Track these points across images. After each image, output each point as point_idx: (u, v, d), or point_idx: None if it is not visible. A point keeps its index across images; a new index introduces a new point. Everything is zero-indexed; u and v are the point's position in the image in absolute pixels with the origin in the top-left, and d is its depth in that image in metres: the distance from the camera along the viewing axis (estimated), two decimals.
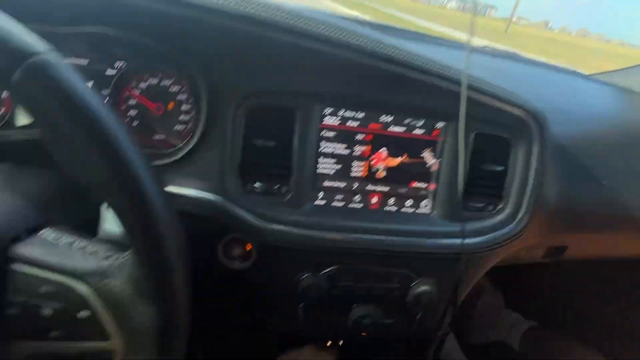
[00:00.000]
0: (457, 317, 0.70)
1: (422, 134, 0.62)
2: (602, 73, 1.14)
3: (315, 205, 0.60)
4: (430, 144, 0.62)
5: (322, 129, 0.59)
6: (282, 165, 0.58)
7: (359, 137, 0.60)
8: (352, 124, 0.60)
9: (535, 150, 0.62)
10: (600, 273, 1.11)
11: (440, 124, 0.62)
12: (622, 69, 1.11)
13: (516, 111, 0.60)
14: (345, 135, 0.60)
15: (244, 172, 0.57)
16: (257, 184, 0.57)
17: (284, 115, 0.57)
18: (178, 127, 0.60)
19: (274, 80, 0.54)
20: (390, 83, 0.57)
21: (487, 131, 0.62)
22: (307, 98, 0.56)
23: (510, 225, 0.64)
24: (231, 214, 0.55)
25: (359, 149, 0.61)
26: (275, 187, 0.58)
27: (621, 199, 0.75)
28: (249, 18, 0.48)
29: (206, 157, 0.55)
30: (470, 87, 0.56)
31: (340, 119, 0.59)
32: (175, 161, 0.55)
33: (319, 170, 0.60)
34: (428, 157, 0.63)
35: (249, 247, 0.58)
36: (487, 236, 0.63)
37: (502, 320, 1.20)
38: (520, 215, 0.64)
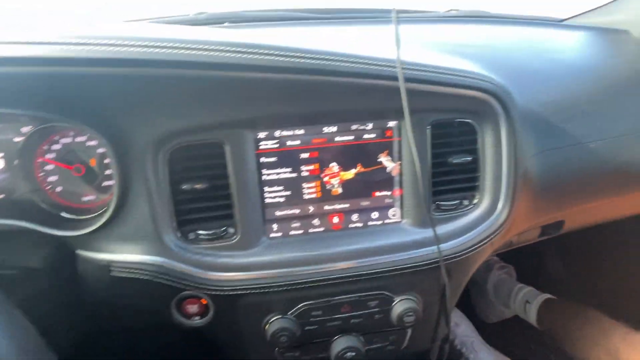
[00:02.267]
0: (469, 297, 0.65)
1: (373, 138, 0.55)
2: (580, 14, 1.04)
3: (271, 240, 0.54)
4: (386, 147, 0.56)
5: (260, 156, 0.52)
6: (222, 206, 0.52)
7: (304, 155, 0.54)
8: (292, 143, 0.53)
9: (504, 131, 0.55)
10: (607, 235, 1.03)
11: (391, 123, 0.55)
12: (602, 6, 1.00)
13: (473, 93, 0.53)
14: (287, 157, 0.54)
15: (181, 222, 0.51)
16: (199, 232, 0.52)
17: (212, 151, 0.50)
18: (106, 183, 0.54)
19: (189, 116, 0.48)
20: (323, 93, 0.50)
21: (446, 120, 0.55)
22: (233, 127, 0.50)
23: (490, 220, 0.57)
24: (176, 272, 0.50)
25: (306, 169, 0.54)
26: (221, 231, 0.52)
27: (613, 158, 0.67)
28: (133, 62, 0.42)
29: (135, 214, 0.50)
30: (412, 80, 0.49)
31: (278, 141, 0.53)
32: (105, 223, 0.50)
33: (267, 201, 0.54)
34: (386, 161, 0.56)
35: (204, 301, 0.53)
36: (465, 237, 0.56)
37: (515, 295, 1.14)
38: (499, 206, 0.57)
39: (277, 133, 0.52)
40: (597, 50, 0.84)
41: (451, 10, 1.13)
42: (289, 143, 0.53)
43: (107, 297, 0.55)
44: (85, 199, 0.54)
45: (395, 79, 0.47)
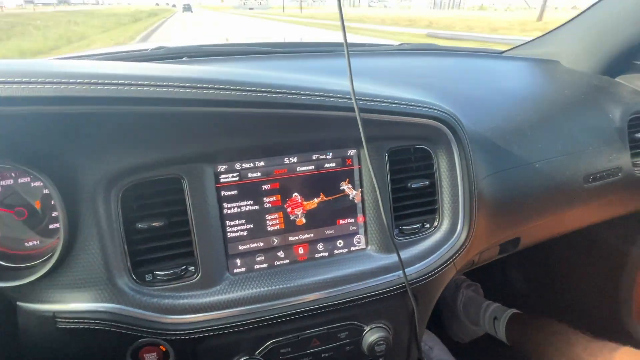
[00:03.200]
0: (440, 318, 0.64)
1: (334, 167, 0.56)
2: (517, 47, 1.14)
3: (234, 276, 0.53)
4: (347, 175, 0.57)
5: (220, 189, 0.51)
6: (181, 243, 0.50)
7: (266, 187, 0.54)
8: (253, 175, 0.53)
9: (457, 156, 0.58)
10: (561, 247, 1.10)
11: (351, 152, 0.56)
12: (535, 39, 1.11)
13: (426, 121, 0.56)
14: (249, 190, 0.53)
15: (137, 263, 0.48)
16: (157, 273, 0.49)
17: (169, 187, 0.49)
18: (52, 226, 0.50)
19: (145, 152, 0.46)
20: (282, 125, 0.51)
21: (403, 146, 0.58)
22: (192, 161, 0.49)
23: (451, 241, 0.59)
24: (131, 318, 0.46)
25: (269, 200, 0.54)
26: (180, 270, 0.50)
27: (556, 176, 0.72)
28: (77, 99, 0.40)
29: (85, 258, 0.46)
30: (368, 110, 0.51)
31: (238, 174, 0.52)
32: (50, 270, 0.46)
33: (230, 235, 0.53)
34: (348, 189, 0.57)
35: (163, 348, 0.49)
36: (428, 259, 0.57)
37: (484, 312, 1.16)
38: (459, 228, 0.59)
39: (238, 166, 0.52)
40: (533, 78, 0.92)
41: (403, 44, 1.21)
42: (250, 175, 0.53)
43: (53, 352, 0.50)
44: (29, 244, 0.50)
45: (351, 110, 0.49)
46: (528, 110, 0.75)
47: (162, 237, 0.49)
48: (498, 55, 1.10)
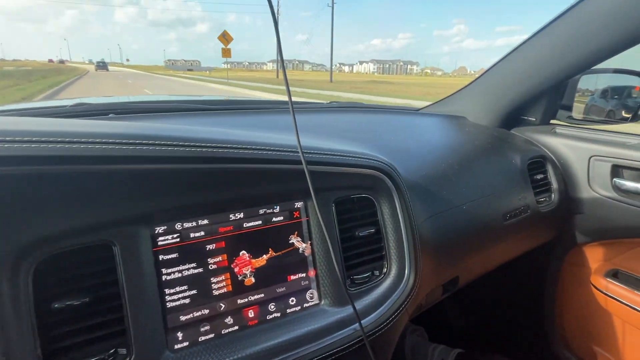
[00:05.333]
0: None
1: (282, 221, 0.55)
2: (430, 105, 1.31)
3: (175, 353, 0.46)
4: (295, 228, 0.56)
5: (158, 254, 0.46)
6: (110, 321, 0.42)
7: (210, 247, 0.50)
8: (196, 235, 0.49)
9: (397, 203, 0.61)
10: (495, 281, 1.19)
11: (298, 204, 0.56)
12: (444, 99, 1.28)
13: (368, 172, 0.58)
14: (191, 251, 0.48)
15: (52, 353, 0.39)
16: None
17: (96, 255, 0.42)
18: None
19: (66, 216, 0.40)
20: (226, 180, 0.49)
21: (348, 196, 0.59)
22: (124, 224, 0.44)
23: (401, 286, 0.60)
24: None
25: (214, 261, 0.50)
26: (109, 354, 0.42)
27: (480, 216, 0.79)
28: None
29: None
30: (315, 163, 0.52)
31: (179, 235, 0.48)
32: None
33: (170, 305, 0.46)
34: (297, 242, 0.55)
35: None
36: (382, 307, 0.57)
37: (431, 356, 1.17)
38: (406, 272, 0.60)
39: (178, 225, 0.48)
40: (448, 132, 1.05)
41: (332, 102, 1.31)
42: (192, 235, 0.49)
43: None
44: None
45: (298, 162, 0.49)
46: (449, 159, 0.84)
47: (86, 316, 0.41)
48: (415, 112, 1.24)
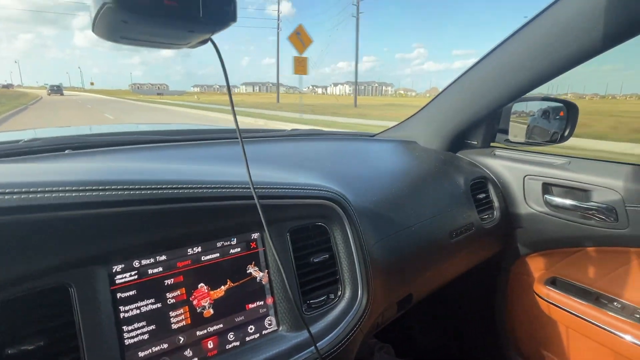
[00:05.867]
0: None
1: (239, 252, 0.58)
2: (385, 131, 1.40)
3: None
4: (252, 258, 0.59)
5: (116, 292, 0.48)
6: None
7: (169, 282, 0.52)
8: (154, 271, 0.51)
9: (348, 229, 0.66)
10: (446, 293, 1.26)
11: (254, 235, 0.59)
12: (397, 125, 1.38)
13: (319, 202, 0.63)
14: (149, 288, 0.50)
15: None
16: None
17: (51, 298, 0.43)
18: None
19: (17, 262, 0.41)
20: (184, 218, 0.52)
21: (302, 225, 0.63)
22: (80, 265, 0.45)
23: (355, 308, 0.64)
24: None
25: (172, 296, 0.52)
26: None
27: (429, 236, 0.86)
28: None
29: None
30: (267, 197, 0.56)
31: (136, 272, 0.50)
32: None
33: (128, 342, 0.48)
34: (254, 272, 0.59)
35: None
36: (337, 329, 0.61)
37: None
38: (359, 294, 0.65)
39: (136, 263, 0.50)
40: (400, 156, 1.13)
41: (294, 129, 1.36)
42: (150, 272, 0.50)
43: None
44: None
45: (250, 198, 0.53)
46: (399, 183, 0.91)
47: (40, 359, 0.42)
48: (370, 138, 1.33)
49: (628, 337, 0.90)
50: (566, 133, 1.14)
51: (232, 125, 0.54)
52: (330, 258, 0.65)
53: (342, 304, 0.64)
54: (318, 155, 0.98)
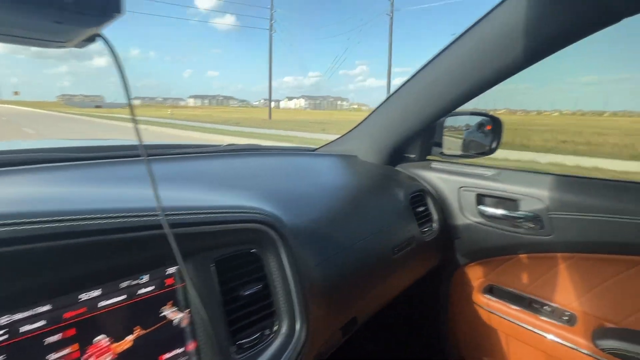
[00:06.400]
0: None
1: (152, 291, 0.48)
2: (326, 145, 1.37)
3: None
4: (169, 297, 0.50)
5: None
6: None
7: (53, 339, 0.41)
8: (33, 326, 0.40)
9: (283, 254, 0.59)
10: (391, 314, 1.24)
11: (171, 270, 0.50)
12: (338, 139, 1.36)
13: (249, 226, 0.56)
14: (26, 349, 0.39)
15: None
16: None
17: None
18: None
19: None
20: (74, 257, 0.42)
21: (230, 253, 0.56)
22: None
23: (292, 343, 0.57)
24: None
25: (59, 356, 0.41)
26: None
27: (372, 252, 0.83)
28: None
29: None
30: (184, 225, 0.48)
31: (7, 331, 0.38)
32: None
33: None
34: (171, 314, 0.50)
35: None
36: None
37: None
38: (297, 326, 0.58)
39: (5, 319, 0.38)
40: (340, 172, 1.10)
41: (230, 144, 1.27)
42: (26, 329, 0.40)
43: None
44: None
45: (160, 227, 0.45)
46: (339, 200, 0.87)
47: None
48: (311, 152, 1.29)
49: (558, 339, 0.94)
50: (493, 145, 1.21)
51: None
52: (264, 288, 0.58)
53: (278, 340, 0.57)
54: (254, 173, 0.91)
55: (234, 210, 0.55)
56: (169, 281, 0.50)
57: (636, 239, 0.83)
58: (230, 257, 0.56)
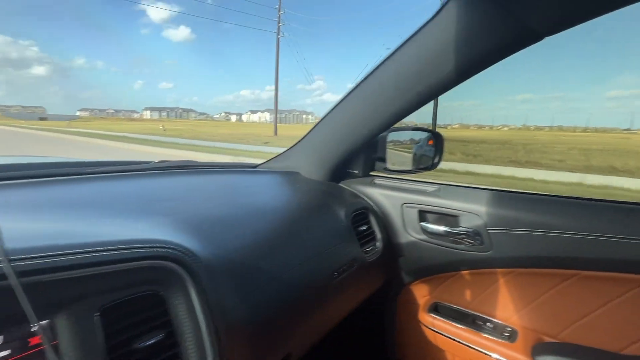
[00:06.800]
0: None
1: (9, 356, 0.38)
2: (269, 160, 1.30)
3: None
4: None
5: None
6: None
7: None
8: None
9: (194, 294, 0.51)
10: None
11: (35, 327, 0.40)
12: (281, 154, 1.29)
13: (149, 263, 0.48)
14: None
15: None
16: None
17: None
18: None
19: None
20: None
21: (123, 298, 0.46)
22: None
23: None
24: None
25: None
26: None
27: (309, 278, 0.76)
28: None
29: None
30: (51, 269, 0.39)
31: None
32: None
33: None
34: None
35: None
36: None
37: None
38: None
39: None
40: (280, 190, 1.03)
41: (162, 161, 1.16)
42: None
43: None
44: None
45: (17, 275, 0.35)
46: (275, 222, 0.80)
47: None
48: (252, 169, 1.21)
49: (501, 358, 0.93)
50: (436, 160, 1.21)
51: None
52: (169, 337, 0.49)
53: None
54: (177, 195, 0.82)
55: (126, 247, 0.46)
56: (34, 340, 0.40)
57: (568, 252, 0.84)
58: (122, 303, 0.46)
